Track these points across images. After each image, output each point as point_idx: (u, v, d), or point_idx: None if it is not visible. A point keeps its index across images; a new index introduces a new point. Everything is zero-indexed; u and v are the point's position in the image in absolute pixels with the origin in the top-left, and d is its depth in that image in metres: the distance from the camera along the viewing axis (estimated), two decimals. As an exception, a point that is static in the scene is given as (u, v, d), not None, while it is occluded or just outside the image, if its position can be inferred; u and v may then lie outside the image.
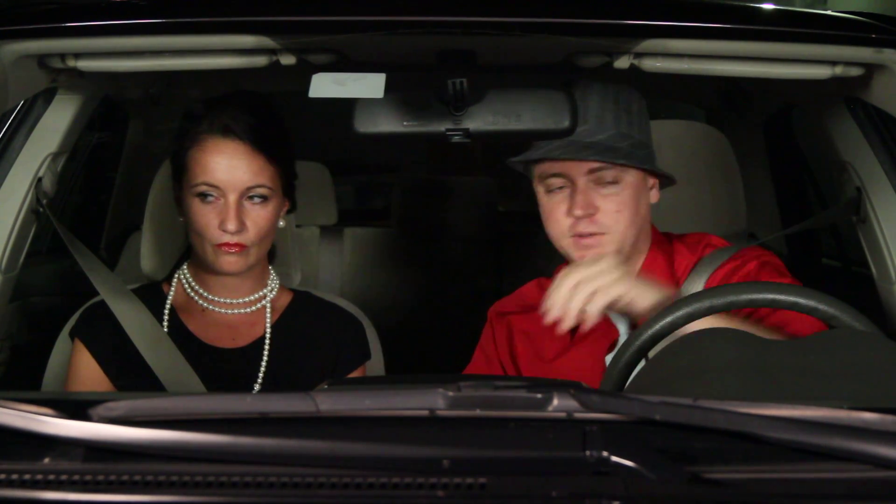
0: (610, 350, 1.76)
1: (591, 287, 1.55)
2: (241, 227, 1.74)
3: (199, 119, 1.78)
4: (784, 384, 1.24)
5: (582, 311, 1.55)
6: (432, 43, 1.62)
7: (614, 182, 1.69)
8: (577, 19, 1.52)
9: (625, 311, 1.62)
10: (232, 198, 1.73)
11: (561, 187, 1.71)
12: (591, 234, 1.70)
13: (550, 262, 1.95)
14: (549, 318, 1.57)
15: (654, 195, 1.78)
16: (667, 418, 1.01)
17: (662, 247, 1.81)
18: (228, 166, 1.73)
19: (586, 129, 1.68)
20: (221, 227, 1.73)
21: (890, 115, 1.80)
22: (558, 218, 1.72)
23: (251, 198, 1.75)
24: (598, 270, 1.57)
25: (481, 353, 1.92)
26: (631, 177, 1.71)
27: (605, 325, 1.79)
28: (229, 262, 1.76)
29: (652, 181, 1.78)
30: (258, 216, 1.76)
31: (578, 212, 1.68)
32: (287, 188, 1.84)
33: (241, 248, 1.75)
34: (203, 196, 1.75)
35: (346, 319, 1.95)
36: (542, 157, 1.70)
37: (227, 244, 1.74)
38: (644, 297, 1.57)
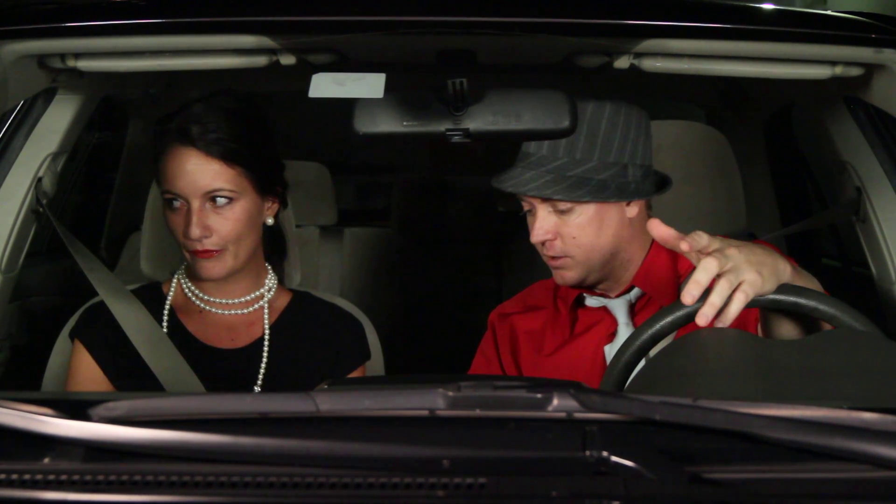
0: (609, 341, 1.76)
1: (728, 285, 1.32)
2: (206, 231, 1.72)
3: (166, 125, 1.76)
4: (784, 384, 1.24)
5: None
6: (432, 43, 1.62)
7: (569, 211, 1.69)
8: (577, 19, 1.52)
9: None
10: (195, 204, 1.72)
11: (528, 210, 1.75)
12: (560, 257, 1.72)
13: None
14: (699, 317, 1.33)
15: (631, 210, 1.73)
16: (667, 418, 1.01)
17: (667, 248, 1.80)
18: (186, 172, 1.72)
19: (540, 157, 1.69)
20: (184, 233, 1.73)
21: (890, 115, 1.79)
22: (532, 240, 1.74)
23: (214, 200, 1.73)
24: (734, 266, 1.34)
25: (482, 356, 1.92)
26: (588, 202, 1.69)
27: (604, 316, 1.79)
28: (206, 267, 1.75)
29: None
30: (224, 219, 1.74)
31: (533, 238, 1.72)
32: (263, 187, 1.80)
33: (214, 253, 1.74)
34: (169, 203, 1.75)
35: (345, 319, 1.94)
36: (495, 185, 1.75)
37: (197, 251, 1.74)
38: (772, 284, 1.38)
